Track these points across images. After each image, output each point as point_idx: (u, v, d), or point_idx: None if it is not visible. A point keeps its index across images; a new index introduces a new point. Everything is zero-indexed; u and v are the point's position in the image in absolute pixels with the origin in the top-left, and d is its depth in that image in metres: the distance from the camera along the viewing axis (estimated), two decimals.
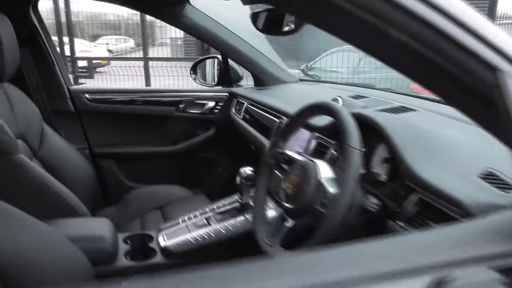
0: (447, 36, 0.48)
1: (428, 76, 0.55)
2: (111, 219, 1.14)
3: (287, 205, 0.88)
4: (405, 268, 0.45)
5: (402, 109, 1.15)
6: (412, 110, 1.14)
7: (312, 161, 0.87)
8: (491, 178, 0.73)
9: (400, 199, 0.80)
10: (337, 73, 5.54)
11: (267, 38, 1.98)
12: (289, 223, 0.87)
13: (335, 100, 1.26)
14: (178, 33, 6.24)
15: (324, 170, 0.85)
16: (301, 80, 1.92)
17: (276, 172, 1.06)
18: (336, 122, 0.82)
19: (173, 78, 5.25)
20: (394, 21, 0.48)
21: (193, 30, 1.66)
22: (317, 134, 1.12)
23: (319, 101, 0.95)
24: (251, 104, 1.69)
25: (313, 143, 1.14)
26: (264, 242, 0.91)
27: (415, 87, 4.57)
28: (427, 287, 0.44)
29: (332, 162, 0.94)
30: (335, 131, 1.06)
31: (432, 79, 0.56)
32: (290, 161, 0.97)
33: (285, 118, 1.38)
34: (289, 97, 1.59)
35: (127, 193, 1.63)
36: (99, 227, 1.07)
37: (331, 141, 1.07)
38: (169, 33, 7.22)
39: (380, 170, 0.90)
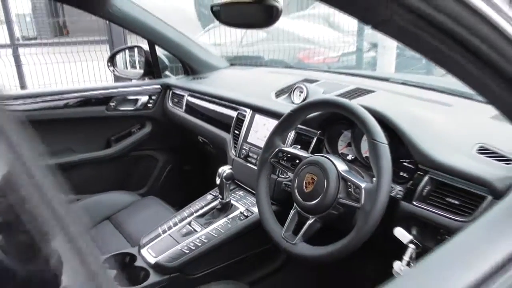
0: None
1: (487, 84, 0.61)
2: None
3: (306, 203, 0.90)
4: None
5: (364, 92, 1.23)
6: (371, 91, 1.23)
7: (325, 157, 0.90)
8: (486, 152, 0.85)
9: (410, 179, 0.89)
10: (222, 47, 5.56)
11: None
12: (311, 219, 0.89)
13: (300, 88, 1.30)
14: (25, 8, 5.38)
15: (340, 165, 0.89)
16: (231, 65, 1.90)
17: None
18: (355, 119, 0.86)
19: (50, 65, 4.51)
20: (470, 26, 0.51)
21: (120, 19, 1.51)
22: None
23: (327, 98, 0.97)
24: (193, 96, 1.62)
25: (292, 135, 1.16)
26: (285, 240, 0.92)
27: (301, 56, 4.86)
28: None
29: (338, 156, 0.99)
30: (320, 122, 1.10)
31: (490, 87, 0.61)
32: (295, 158, 0.99)
33: (245, 109, 1.37)
34: (234, 85, 1.57)
35: None
36: None
37: (314, 131, 1.11)
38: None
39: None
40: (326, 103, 0.96)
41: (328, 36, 4.76)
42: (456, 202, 0.80)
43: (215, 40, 5.53)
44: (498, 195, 0.73)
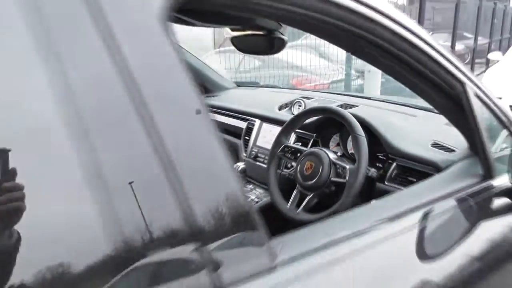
0: (436, 61, 0.85)
1: (420, 87, 0.93)
2: None
3: (306, 183, 1.20)
4: (405, 210, 0.76)
5: (350, 106, 1.56)
6: (356, 105, 1.56)
7: (320, 149, 1.22)
8: (438, 145, 1.17)
9: (383, 167, 1.20)
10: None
11: None
12: (310, 195, 1.20)
13: (299, 102, 1.62)
14: None
15: (331, 154, 1.20)
16: (238, 85, 2.23)
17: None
18: (343, 121, 1.18)
19: None
20: (404, 49, 0.83)
21: None
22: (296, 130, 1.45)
23: (323, 105, 1.30)
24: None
25: (293, 138, 1.48)
26: (290, 211, 1.22)
27: (293, 83, 5.22)
28: (420, 219, 0.77)
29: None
30: (315, 126, 1.42)
31: (424, 89, 0.94)
32: (297, 151, 1.30)
33: (254, 119, 1.68)
34: (243, 101, 1.89)
35: None
36: None
37: (311, 134, 1.43)
38: None
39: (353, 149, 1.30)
40: (323, 109, 1.29)
41: (319, 65, 5.16)
42: (414, 180, 1.11)
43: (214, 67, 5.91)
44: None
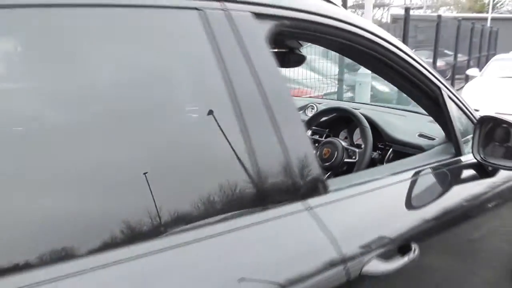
0: (420, 71, 1.25)
1: (407, 88, 1.33)
2: None
3: (324, 164, 1.58)
4: (402, 170, 1.14)
5: (354, 108, 1.96)
6: (358, 109, 1.96)
7: (334, 139, 1.61)
8: (422, 135, 1.56)
9: (382, 152, 1.60)
10: None
11: None
12: (327, 174, 1.57)
13: (312, 106, 2.02)
14: None
15: (343, 143, 1.59)
16: None
17: None
18: (353, 117, 1.57)
19: None
20: (392, 59, 1.22)
21: None
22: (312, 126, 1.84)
23: (338, 106, 1.69)
24: None
25: (308, 132, 1.86)
26: None
27: (292, 94, 5.65)
28: (411, 176, 1.16)
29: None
30: (327, 124, 1.81)
31: (410, 90, 1.33)
32: (316, 142, 1.68)
33: None
34: None
35: None
36: None
37: (324, 130, 1.82)
38: None
39: (359, 141, 1.69)
40: (338, 108, 1.68)
41: (311, 78, 5.59)
42: None
43: None
44: None
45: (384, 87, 6.62)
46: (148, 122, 0.71)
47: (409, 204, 1.08)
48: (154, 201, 0.67)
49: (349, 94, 5.83)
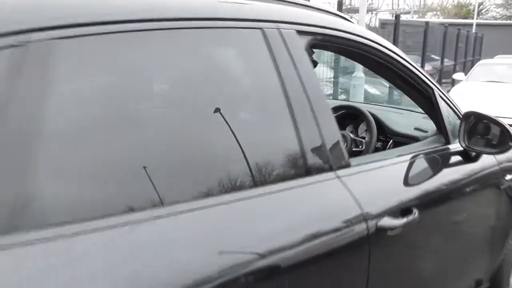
0: (416, 74, 1.55)
1: (406, 89, 1.63)
2: None
3: None
4: (402, 153, 1.45)
5: None
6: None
7: (343, 131, 1.90)
8: (418, 129, 1.87)
9: (383, 143, 1.90)
10: None
11: None
12: None
13: None
14: None
15: (351, 134, 1.88)
16: None
17: None
18: (359, 113, 1.87)
19: None
20: (396, 66, 1.52)
21: None
22: None
23: (347, 103, 1.99)
24: None
25: None
26: None
27: None
28: (409, 158, 1.45)
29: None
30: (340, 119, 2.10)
31: (410, 91, 1.64)
32: None
33: None
34: None
35: None
36: None
37: None
38: None
39: (363, 134, 1.99)
40: (346, 106, 1.97)
41: None
42: None
43: None
44: None
45: (374, 89, 6.98)
46: (240, 105, 1.02)
47: (410, 179, 1.38)
48: (233, 166, 0.96)
49: (342, 97, 6.17)
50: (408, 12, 32.33)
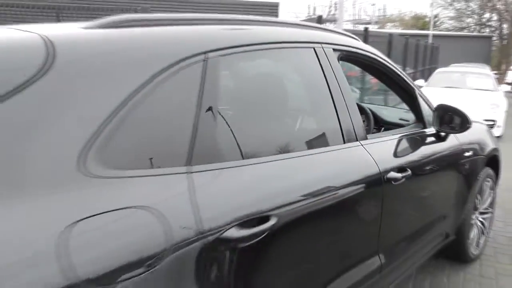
0: (401, 76, 2.19)
1: (396, 90, 2.27)
2: None
3: None
4: (392, 133, 2.05)
5: None
6: None
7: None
8: (402, 119, 2.51)
9: (377, 130, 2.52)
10: None
11: None
12: None
13: None
14: None
15: None
16: None
17: None
18: (360, 108, 2.47)
19: None
20: (391, 73, 2.16)
21: None
22: None
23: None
24: None
25: None
26: None
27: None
28: (397, 138, 2.07)
29: None
30: None
31: (398, 91, 2.28)
32: None
33: None
34: None
35: None
36: None
37: None
38: None
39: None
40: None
41: None
42: None
43: None
44: None
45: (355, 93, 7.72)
46: (305, 96, 1.61)
47: (402, 150, 2.00)
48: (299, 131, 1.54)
49: None
50: (369, 23, 33.85)
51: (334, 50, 1.76)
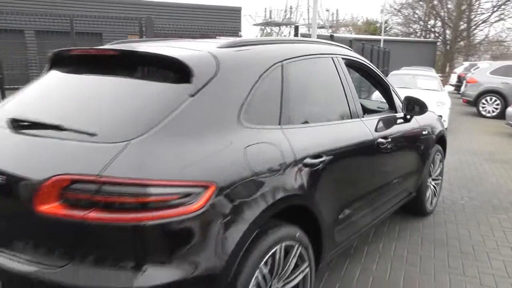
0: (380, 75, 3.15)
1: (376, 86, 3.22)
2: None
3: None
4: (375, 116, 3.02)
5: None
6: None
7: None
8: (379, 107, 3.47)
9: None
10: None
11: None
12: None
13: None
14: None
15: None
16: None
17: None
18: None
19: None
20: (370, 71, 3.12)
21: None
22: None
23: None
24: None
25: None
26: None
27: None
28: (378, 119, 3.00)
29: None
30: None
31: (378, 87, 3.23)
32: None
33: None
34: None
35: None
36: None
37: None
38: None
39: None
40: None
41: None
42: None
43: None
44: None
45: None
46: (330, 91, 2.51)
47: (383, 126, 2.93)
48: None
49: None
50: (323, 27, 35.21)
51: (343, 58, 2.67)
